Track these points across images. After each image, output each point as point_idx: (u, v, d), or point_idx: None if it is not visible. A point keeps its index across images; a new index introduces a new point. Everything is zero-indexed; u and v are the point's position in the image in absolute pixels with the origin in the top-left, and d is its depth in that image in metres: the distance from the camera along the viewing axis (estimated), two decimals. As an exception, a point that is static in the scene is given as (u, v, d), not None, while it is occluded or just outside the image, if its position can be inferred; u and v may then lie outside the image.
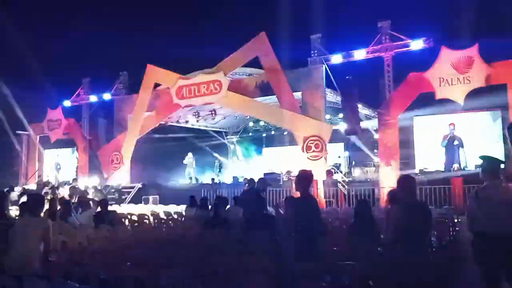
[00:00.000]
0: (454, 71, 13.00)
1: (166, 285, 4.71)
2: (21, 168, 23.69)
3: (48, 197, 13.83)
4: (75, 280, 5.09)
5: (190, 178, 21.25)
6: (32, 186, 19.29)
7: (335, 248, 5.62)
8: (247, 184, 10.98)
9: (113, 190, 17.49)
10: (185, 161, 21.59)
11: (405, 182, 4.70)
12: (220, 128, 26.33)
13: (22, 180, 23.04)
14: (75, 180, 18.21)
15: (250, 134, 26.75)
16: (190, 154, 21.59)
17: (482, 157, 4.81)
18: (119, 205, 14.41)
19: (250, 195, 7.84)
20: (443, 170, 15.01)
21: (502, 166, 11.67)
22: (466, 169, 14.46)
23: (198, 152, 24.77)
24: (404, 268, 4.33)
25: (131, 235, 7.40)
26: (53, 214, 9.44)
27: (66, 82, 23.83)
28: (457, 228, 8.41)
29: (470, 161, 14.71)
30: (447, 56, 13.20)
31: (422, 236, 4.51)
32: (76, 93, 22.66)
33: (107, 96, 21.59)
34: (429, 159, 15.85)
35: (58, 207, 9.65)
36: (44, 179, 20.33)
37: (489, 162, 4.78)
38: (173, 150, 22.62)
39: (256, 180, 8.26)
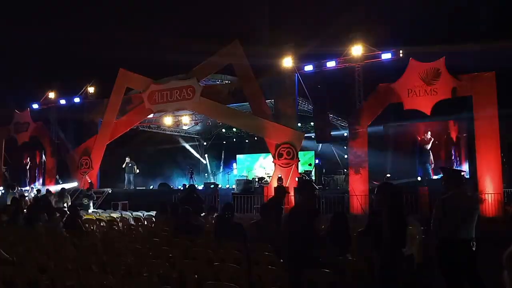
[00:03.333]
0: (422, 83, 13.37)
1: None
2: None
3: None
4: (41, 287, 5.00)
5: (130, 183, 19.91)
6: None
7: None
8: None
9: (82, 195, 17.15)
10: (123, 166, 20.00)
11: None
12: (192, 134, 26.27)
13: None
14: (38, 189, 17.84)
15: (223, 140, 26.75)
16: (127, 159, 19.95)
17: (442, 169, 5.05)
18: (87, 211, 14.16)
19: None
20: (414, 179, 15.47)
21: (465, 175, 12.14)
22: (429, 178, 14.91)
23: (170, 157, 24.66)
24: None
25: (100, 242, 7.28)
26: (16, 219, 9.27)
27: (34, 84, 23.28)
28: (423, 236, 8.64)
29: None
30: (415, 68, 13.58)
31: None
32: (45, 96, 22.15)
33: (76, 100, 21.20)
34: (400, 167, 16.25)
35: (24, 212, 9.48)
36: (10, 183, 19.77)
37: (451, 173, 4.99)
38: (143, 155, 22.42)
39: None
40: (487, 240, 5.97)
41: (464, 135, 15.37)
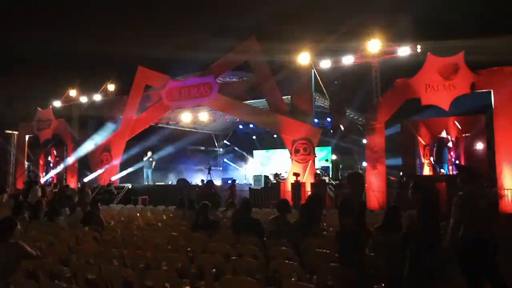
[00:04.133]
0: (440, 78, 13.21)
1: (153, 286, 4.80)
2: (9, 168, 23.58)
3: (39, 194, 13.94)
4: (63, 280, 5.17)
5: (148, 178, 20.16)
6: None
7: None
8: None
9: (102, 191, 17.48)
10: (144, 159, 20.18)
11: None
12: (210, 131, 26.46)
13: (10, 180, 22.95)
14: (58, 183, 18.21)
15: (240, 136, 26.89)
16: (149, 153, 20.22)
17: (457, 166, 5.05)
18: (108, 206, 14.44)
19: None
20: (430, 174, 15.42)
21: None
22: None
23: (188, 153, 24.90)
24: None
25: (120, 236, 7.46)
26: (39, 214, 9.51)
27: (56, 82, 23.75)
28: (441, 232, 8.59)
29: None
30: (433, 63, 13.41)
31: None
32: (66, 93, 22.58)
33: (97, 97, 21.56)
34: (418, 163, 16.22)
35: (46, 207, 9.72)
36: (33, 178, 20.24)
37: (466, 170, 4.98)
38: (162, 152, 22.69)
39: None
40: (507, 237, 5.93)
41: (466, 135, 15.30)
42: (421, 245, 4.62)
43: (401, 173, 15.17)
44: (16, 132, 23.53)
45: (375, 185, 14.07)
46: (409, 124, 16.38)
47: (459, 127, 15.67)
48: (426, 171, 16.18)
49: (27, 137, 23.19)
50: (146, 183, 19.91)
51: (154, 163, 20.28)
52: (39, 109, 22.41)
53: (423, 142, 16.33)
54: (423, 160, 16.33)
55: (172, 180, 21.60)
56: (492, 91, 12.90)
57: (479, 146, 14.95)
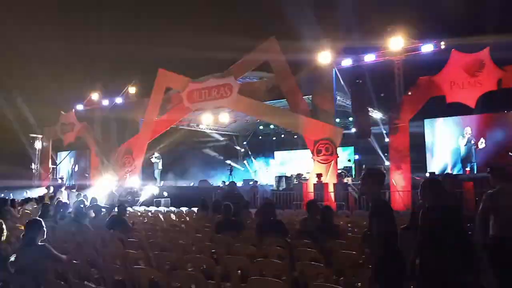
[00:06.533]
0: (465, 75, 12.93)
1: (180, 286, 4.79)
2: (34, 171, 24.04)
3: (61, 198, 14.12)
4: (92, 281, 5.21)
5: (155, 179, 20.28)
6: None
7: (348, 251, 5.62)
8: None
9: (125, 193, 17.65)
10: (153, 161, 20.46)
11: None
12: (230, 132, 26.49)
13: (35, 182, 23.37)
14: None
15: (260, 137, 26.85)
16: (155, 154, 20.47)
17: (488, 165, 4.91)
18: (132, 208, 14.55)
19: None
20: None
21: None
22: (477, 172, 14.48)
23: (209, 155, 24.98)
24: None
25: (145, 238, 7.49)
26: (63, 216, 9.62)
27: (79, 86, 24.16)
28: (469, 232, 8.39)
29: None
30: (458, 60, 13.13)
31: None
32: (89, 97, 22.92)
33: (119, 100, 21.82)
34: (442, 162, 15.91)
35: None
36: (59, 181, 20.59)
37: (497, 168, 4.84)
38: (183, 154, 22.81)
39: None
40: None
41: None
42: None
43: (430, 172, 14.90)
44: (41, 136, 23.97)
45: (400, 185, 13.86)
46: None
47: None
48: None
49: (51, 140, 23.62)
50: (159, 185, 20.02)
51: (160, 162, 20.35)
52: (62, 112, 22.79)
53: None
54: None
55: (194, 181, 21.68)
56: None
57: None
